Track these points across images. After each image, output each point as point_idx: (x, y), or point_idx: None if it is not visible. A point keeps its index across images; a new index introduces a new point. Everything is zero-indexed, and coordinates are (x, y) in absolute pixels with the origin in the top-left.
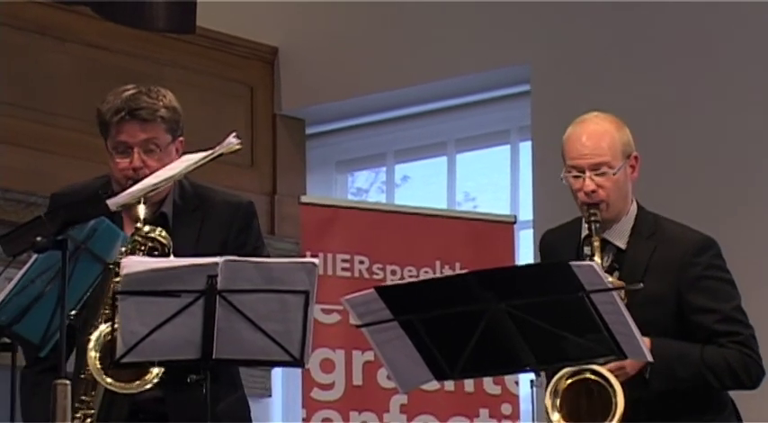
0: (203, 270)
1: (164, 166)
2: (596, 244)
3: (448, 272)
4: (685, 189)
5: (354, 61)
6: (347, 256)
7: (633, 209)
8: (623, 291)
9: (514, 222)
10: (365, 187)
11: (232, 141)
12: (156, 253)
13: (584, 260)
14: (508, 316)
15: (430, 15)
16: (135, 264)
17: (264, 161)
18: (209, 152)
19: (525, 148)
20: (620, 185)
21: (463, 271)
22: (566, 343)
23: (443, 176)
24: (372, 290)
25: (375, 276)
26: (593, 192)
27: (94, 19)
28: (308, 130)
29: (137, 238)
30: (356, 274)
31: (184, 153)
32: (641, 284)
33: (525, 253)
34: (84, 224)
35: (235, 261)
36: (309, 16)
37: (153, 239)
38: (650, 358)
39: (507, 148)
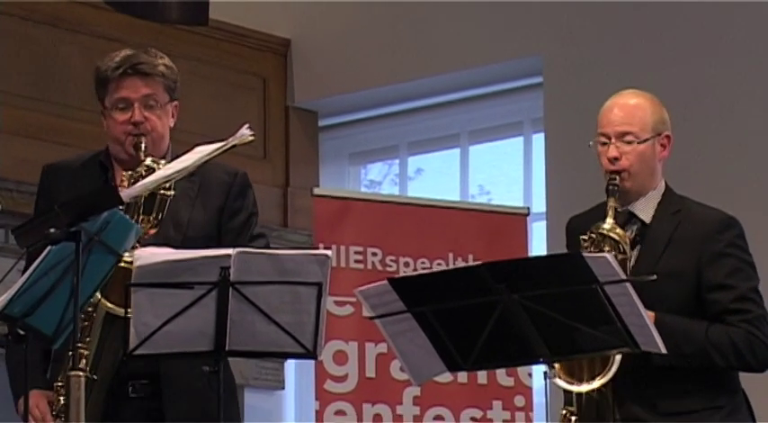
0: (216, 262)
1: (162, 123)
2: (611, 204)
3: (461, 264)
4: (694, 181)
5: (367, 53)
6: (360, 249)
7: (661, 187)
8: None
9: (528, 214)
10: (378, 179)
11: (245, 133)
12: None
13: (600, 225)
14: (521, 307)
15: (442, 7)
16: (148, 255)
17: (277, 153)
18: (222, 143)
19: (538, 139)
20: (645, 158)
21: (476, 263)
22: (579, 334)
23: (456, 168)
24: (385, 281)
25: (388, 268)
26: (616, 159)
27: (108, 11)
28: (321, 122)
29: (139, 170)
30: (369, 266)
31: (196, 145)
32: (654, 276)
33: (538, 245)
34: (98, 216)
35: (248, 252)
36: (322, 8)
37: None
38: (664, 350)
39: (520, 139)
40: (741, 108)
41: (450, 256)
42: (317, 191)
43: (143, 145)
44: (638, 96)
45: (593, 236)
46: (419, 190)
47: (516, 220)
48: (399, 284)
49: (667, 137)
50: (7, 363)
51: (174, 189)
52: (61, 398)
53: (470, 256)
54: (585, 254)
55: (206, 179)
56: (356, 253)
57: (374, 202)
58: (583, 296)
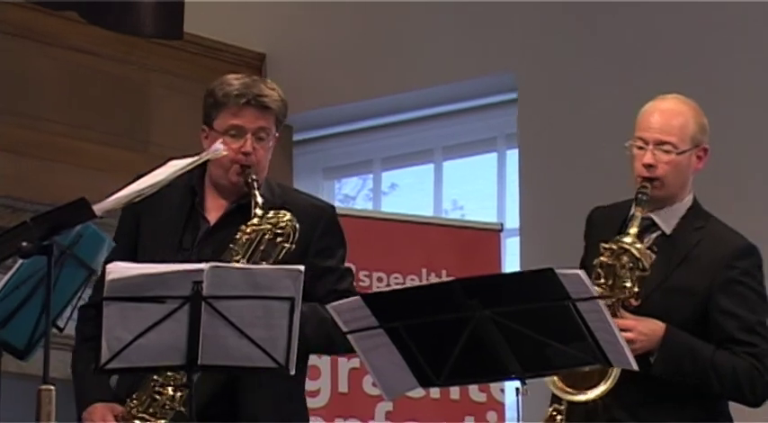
0: (189, 276)
1: (266, 158)
2: (637, 214)
3: (434, 279)
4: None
5: (342, 68)
6: None
7: (689, 200)
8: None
9: (501, 230)
10: (352, 194)
11: (218, 148)
12: (280, 240)
13: (622, 238)
14: (493, 323)
15: (417, 23)
16: (120, 269)
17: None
18: (196, 158)
19: (512, 155)
20: (680, 169)
21: (449, 278)
22: (551, 350)
23: (430, 184)
24: (358, 297)
25: (361, 283)
26: (652, 166)
27: (81, 23)
28: (296, 137)
29: (262, 225)
30: None
31: (169, 159)
32: (627, 293)
33: (512, 260)
34: (70, 230)
35: (220, 267)
36: (297, 23)
37: (283, 227)
38: (635, 367)
39: (494, 155)
40: (723, 120)
41: (424, 271)
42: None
43: (255, 181)
44: (681, 103)
45: (614, 247)
46: (393, 205)
47: (490, 235)
48: (372, 300)
49: (705, 149)
50: (73, 370)
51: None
52: (136, 421)
53: (444, 272)
54: (558, 270)
55: (293, 212)
56: None
57: (348, 216)
58: (555, 312)
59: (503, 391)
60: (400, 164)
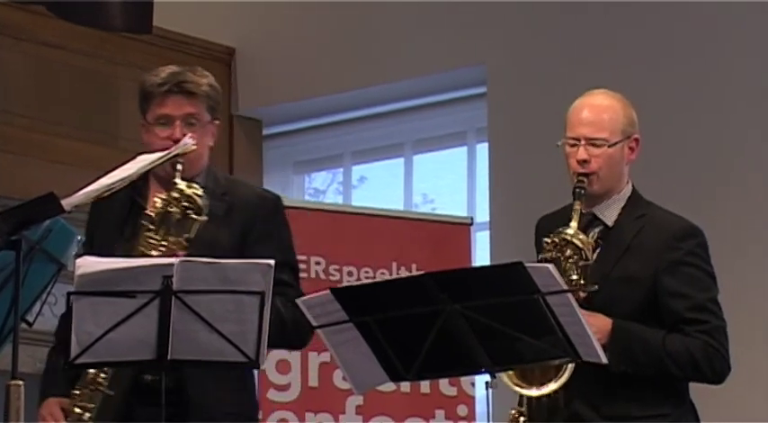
0: (159, 270)
1: (202, 143)
2: (576, 208)
3: (404, 273)
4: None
5: (311, 62)
6: (304, 257)
7: (627, 190)
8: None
9: (471, 224)
10: (322, 188)
11: (187, 142)
12: (189, 212)
13: (563, 230)
14: (463, 317)
15: (387, 17)
16: (90, 264)
17: (221, 162)
18: (165, 152)
19: (482, 149)
20: (613, 161)
21: (419, 272)
22: (521, 344)
23: (400, 178)
24: (328, 291)
25: (331, 277)
26: (585, 161)
27: (50, 18)
28: (265, 131)
29: (173, 194)
30: (312, 275)
31: (138, 153)
32: (596, 287)
33: (482, 254)
34: (39, 224)
35: (190, 261)
36: (266, 17)
37: (189, 197)
38: (605, 360)
39: (464, 149)
40: (690, 113)
41: (394, 265)
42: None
43: (180, 165)
44: (609, 97)
45: (556, 240)
46: (363, 199)
47: (460, 229)
48: (342, 294)
49: (636, 140)
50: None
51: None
52: (76, 408)
53: (414, 266)
54: (528, 264)
55: (235, 200)
56: (300, 262)
57: (318, 211)
58: (525, 306)
59: (473, 384)
60: (370, 158)
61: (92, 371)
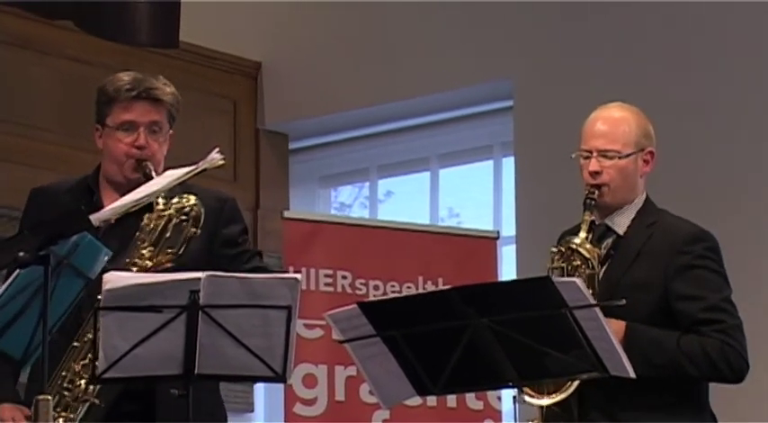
0: (186, 285)
1: (162, 150)
2: (586, 218)
3: (430, 287)
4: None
5: (338, 76)
6: (330, 272)
7: (640, 201)
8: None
9: (497, 238)
10: (348, 202)
11: (215, 157)
12: (185, 224)
13: (571, 240)
14: (490, 331)
15: (413, 31)
16: (118, 278)
17: (247, 176)
18: (193, 167)
19: (508, 163)
20: (626, 173)
21: (446, 287)
22: (548, 359)
23: (426, 192)
24: (355, 305)
25: (358, 292)
26: (597, 173)
27: (77, 33)
28: (292, 145)
29: (168, 210)
30: (339, 290)
31: (167, 168)
32: (623, 301)
33: (508, 269)
34: (67, 239)
35: (217, 276)
36: (293, 31)
37: (182, 208)
38: (633, 375)
39: (490, 163)
40: (717, 123)
41: (420, 279)
42: (287, 214)
43: (152, 171)
44: (623, 110)
45: (563, 249)
46: (389, 213)
47: (486, 243)
48: (369, 308)
49: (651, 152)
50: None
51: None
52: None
53: (440, 280)
54: (555, 278)
55: None
56: (326, 276)
57: (344, 225)
58: (552, 320)
59: (500, 399)
60: (396, 172)
61: (82, 382)
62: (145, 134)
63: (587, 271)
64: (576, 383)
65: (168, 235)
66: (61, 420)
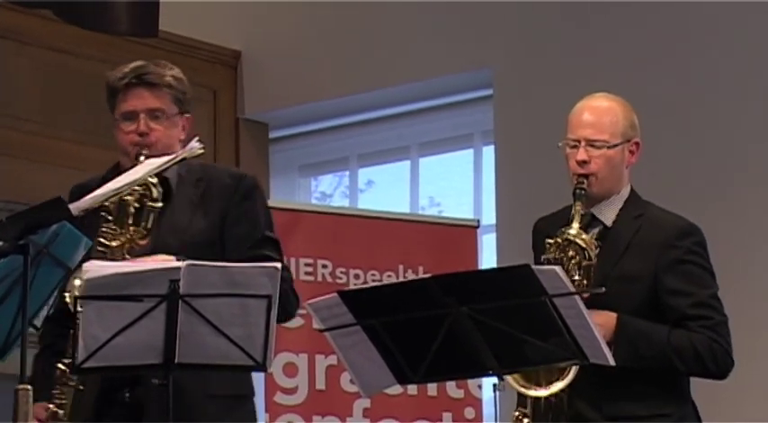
0: (166, 274)
1: (169, 135)
2: (577, 209)
3: (411, 276)
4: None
5: (318, 65)
6: (310, 261)
7: (626, 192)
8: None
9: (477, 226)
10: (329, 191)
11: (194, 146)
12: (145, 200)
13: (566, 231)
14: (470, 320)
15: (392, 19)
16: (97, 268)
17: (227, 165)
18: (172, 156)
19: (488, 152)
20: (613, 163)
21: (426, 275)
22: (528, 347)
23: (407, 181)
24: (335, 294)
25: (338, 280)
26: (585, 162)
27: (56, 22)
28: (272, 134)
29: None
30: (319, 278)
31: (148, 157)
32: (603, 288)
33: (488, 257)
34: (47, 228)
35: (197, 265)
36: (272, 20)
37: (144, 185)
38: (612, 363)
39: (471, 152)
40: (696, 116)
41: (401, 268)
42: (267, 203)
43: (142, 157)
44: (610, 100)
45: (559, 240)
46: (369, 202)
47: (466, 232)
48: (349, 297)
49: (636, 143)
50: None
51: (176, 196)
52: (50, 405)
53: (420, 269)
54: (534, 267)
55: (210, 184)
56: (306, 265)
57: (324, 214)
58: (532, 309)
59: (480, 387)
60: (376, 161)
61: (61, 367)
62: (145, 121)
63: (583, 262)
64: (572, 373)
65: (133, 210)
66: (51, 406)
